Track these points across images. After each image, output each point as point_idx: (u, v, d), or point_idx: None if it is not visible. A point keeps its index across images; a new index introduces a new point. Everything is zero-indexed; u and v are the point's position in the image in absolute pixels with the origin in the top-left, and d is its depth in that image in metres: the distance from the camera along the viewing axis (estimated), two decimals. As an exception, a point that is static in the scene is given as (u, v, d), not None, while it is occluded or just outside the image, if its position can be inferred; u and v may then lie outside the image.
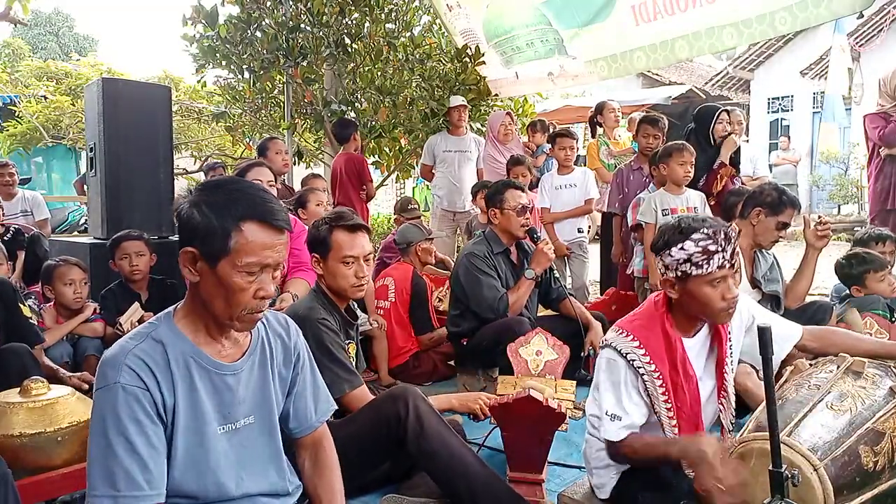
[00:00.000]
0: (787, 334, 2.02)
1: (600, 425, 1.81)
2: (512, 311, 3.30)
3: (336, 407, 1.71)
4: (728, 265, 1.71)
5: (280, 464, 1.51)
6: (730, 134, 4.16)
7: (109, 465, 1.24)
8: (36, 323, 2.86)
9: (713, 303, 1.74)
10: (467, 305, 3.39)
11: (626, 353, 1.79)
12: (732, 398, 1.92)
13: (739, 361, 2.55)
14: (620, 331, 1.85)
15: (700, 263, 1.71)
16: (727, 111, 4.28)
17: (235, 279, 1.30)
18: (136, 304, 3.27)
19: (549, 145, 5.24)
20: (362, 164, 5.67)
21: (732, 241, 1.73)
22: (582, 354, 3.09)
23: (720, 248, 1.71)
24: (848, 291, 3.51)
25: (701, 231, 1.72)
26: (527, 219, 3.40)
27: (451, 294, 3.57)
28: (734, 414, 1.94)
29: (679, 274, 1.74)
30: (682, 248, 1.73)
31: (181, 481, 1.35)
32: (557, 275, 3.61)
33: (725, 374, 1.88)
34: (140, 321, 3.12)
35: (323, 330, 2.18)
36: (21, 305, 2.62)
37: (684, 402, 1.78)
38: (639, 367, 1.77)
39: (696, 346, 1.87)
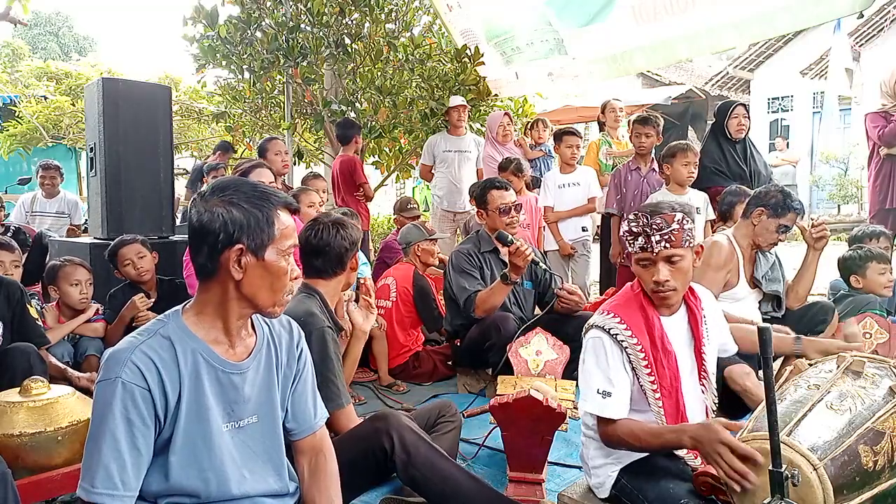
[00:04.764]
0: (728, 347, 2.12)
1: (592, 406, 1.81)
2: (482, 311, 3.22)
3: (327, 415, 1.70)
4: (652, 250, 1.79)
5: (281, 464, 1.52)
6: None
7: (93, 458, 1.28)
8: (41, 324, 2.85)
9: (644, 282, 1.86)
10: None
11: (609, 329, 1.84)
12: (713, 381, 1.95)
13: (737, 360, 2.58)
14: (602, 312, 1.90)
15: (628, 242, 1.85)
16: (744, 105, 4.27)
17: (281, 263, 1.39)
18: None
19: (553, 143, 5.24)
20: (355, 166, 5.55)
21: (666, 228, 1.78)
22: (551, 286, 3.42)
23: (642, 232, 1.81)
24: (845, 290, 3.55)
25: (640, 212, 1.82)
26: (512, 217, 3.39)
27: (445, 293, 3.58)
28: (716, 397, 1.97)
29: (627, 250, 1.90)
30: (623, 227, 1.88)
31: (183, 478, 1.35)
32: (557, 275, 3.61)
33: (704, 355, 1.91)
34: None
35: (327, 339, 2.10)
36: (29, 306, 2.62)
37: (664, 376, 1.83)
38: (622, 341, 1.82)
39: (675, 325, 1.90)
